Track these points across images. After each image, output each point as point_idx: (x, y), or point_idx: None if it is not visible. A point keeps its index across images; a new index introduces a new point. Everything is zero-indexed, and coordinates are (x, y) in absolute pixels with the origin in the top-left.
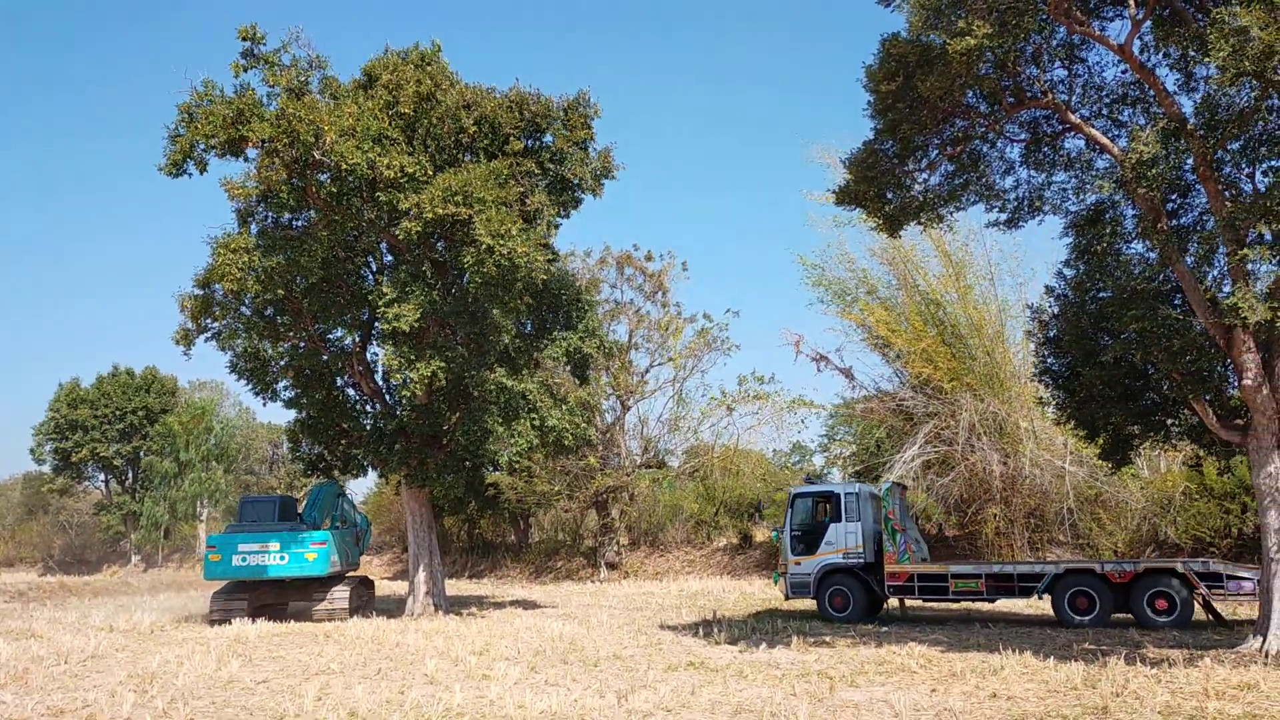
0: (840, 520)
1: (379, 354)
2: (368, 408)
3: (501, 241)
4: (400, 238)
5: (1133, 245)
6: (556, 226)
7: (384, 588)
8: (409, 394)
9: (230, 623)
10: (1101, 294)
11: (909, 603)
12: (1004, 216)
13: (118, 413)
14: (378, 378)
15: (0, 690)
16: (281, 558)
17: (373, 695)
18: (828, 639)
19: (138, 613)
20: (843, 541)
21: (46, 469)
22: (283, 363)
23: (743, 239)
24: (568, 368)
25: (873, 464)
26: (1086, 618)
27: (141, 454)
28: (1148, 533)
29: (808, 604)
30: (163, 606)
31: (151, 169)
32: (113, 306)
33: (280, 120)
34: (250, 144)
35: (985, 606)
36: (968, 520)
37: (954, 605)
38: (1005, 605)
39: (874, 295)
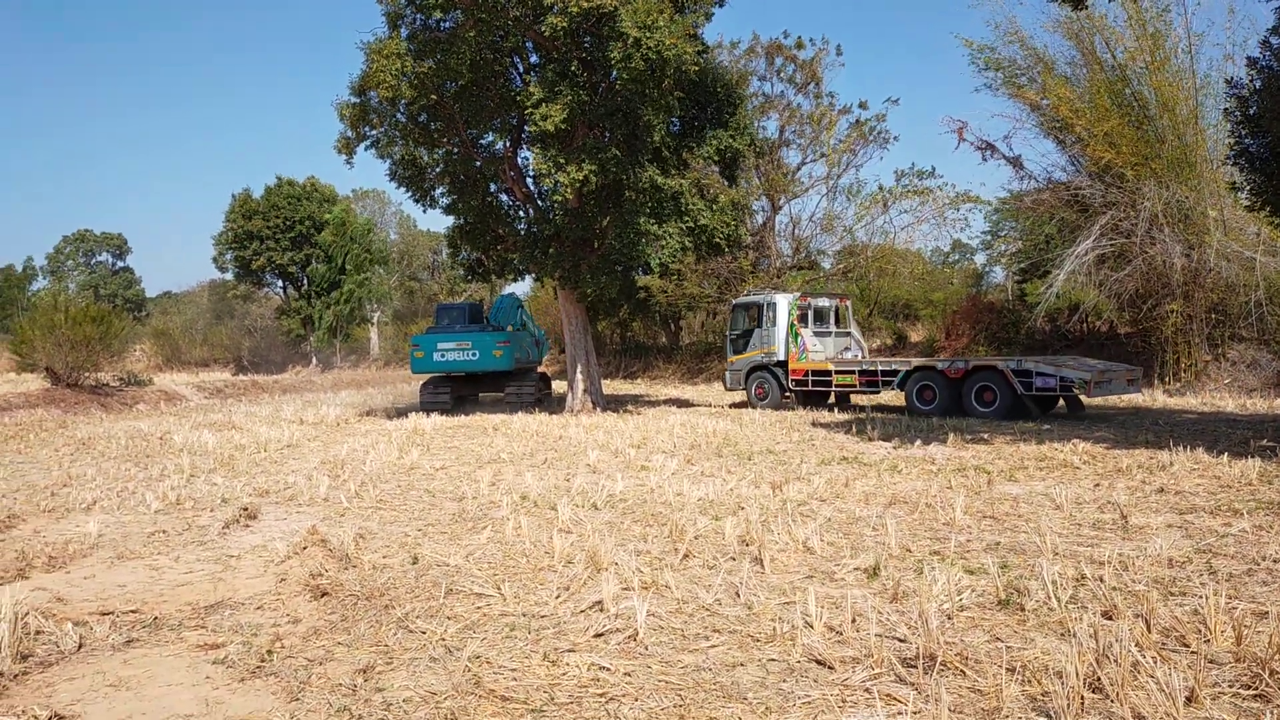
0: (761, 326)
1: (529, 159)
2: (520, 213)
3: (649, 34)
4: (546, 35)
5: None
6: (709, 16)
7: None
8: (560, 198)
9: (446, 412)
10: None
11: (856, 399)
12: None
13: (287, 222)
14: (529, 183)
15: (211, 474)
16: (473, 354)
17: (541, 481)
18: (985, 437)
19: (323, 408)
20: (761, 344)
21: (229, 276)
22: (438, 169)
23: (902, 20)
24: (717, 167)
25: (1040, 260)
26: (929, 407)
27: (313, 261)
28: None
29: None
30: (345, 402)
31: None
32: (279, 120)
33: None
34: None
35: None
36: (1142, 317)
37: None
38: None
39: (1052, 74)
